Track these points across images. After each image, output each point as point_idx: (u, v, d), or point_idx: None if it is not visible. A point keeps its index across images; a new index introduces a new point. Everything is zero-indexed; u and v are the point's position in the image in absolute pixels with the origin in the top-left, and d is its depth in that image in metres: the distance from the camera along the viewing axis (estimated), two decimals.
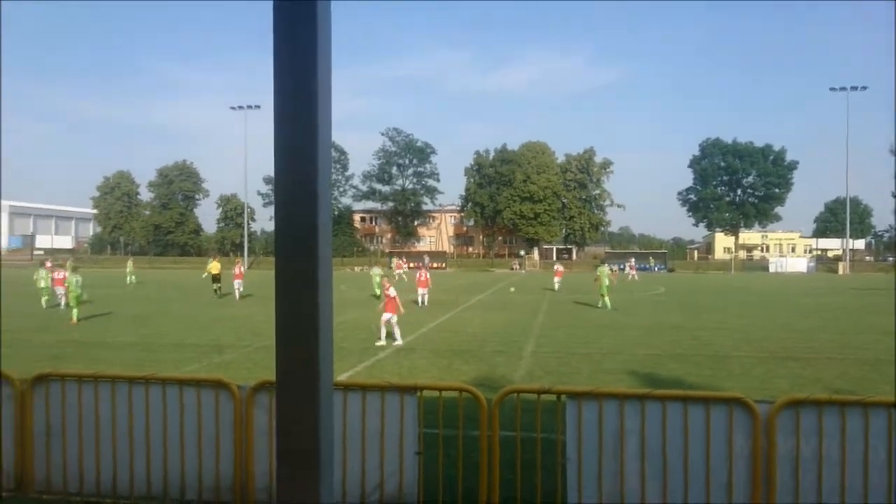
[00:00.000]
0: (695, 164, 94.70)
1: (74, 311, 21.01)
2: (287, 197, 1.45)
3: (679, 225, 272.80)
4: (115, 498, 5.97)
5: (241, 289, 31.01)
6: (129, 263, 46.89)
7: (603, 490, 5.39)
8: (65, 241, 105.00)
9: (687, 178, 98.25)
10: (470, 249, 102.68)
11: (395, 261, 46.93)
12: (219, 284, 31.99)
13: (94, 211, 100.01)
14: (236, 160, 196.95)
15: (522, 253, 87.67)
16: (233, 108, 78.21)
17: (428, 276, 28.26)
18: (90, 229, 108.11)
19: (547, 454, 5.61)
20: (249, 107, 75.67)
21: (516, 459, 5.56)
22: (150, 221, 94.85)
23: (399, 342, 16.21)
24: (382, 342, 16.14)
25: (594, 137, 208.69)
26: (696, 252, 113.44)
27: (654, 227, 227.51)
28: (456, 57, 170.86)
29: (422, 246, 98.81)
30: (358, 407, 5.72)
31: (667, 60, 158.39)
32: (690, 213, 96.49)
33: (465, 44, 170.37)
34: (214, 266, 32.55)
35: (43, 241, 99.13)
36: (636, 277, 52.70)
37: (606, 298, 26.26)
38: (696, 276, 68.45)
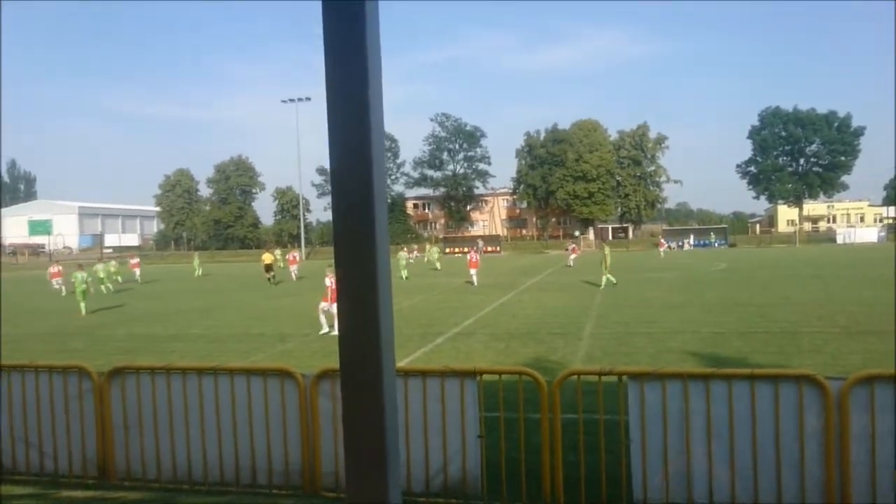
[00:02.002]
0: (754, 134, 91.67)
1: (81, 304, 22.78)
2: (344, 192, 1.47)
3: (739, 198, 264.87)
4: (191, 484, 6.21)
5: (297, 271, 37.00)
6: (196, 258, 49.17)
7: (669, 469, 5.33)
8: (131, 239, 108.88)
9: (746, 150, 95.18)
10: (524, 232, 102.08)
11: (405, 248, 47.92)
12: (272, 273, 35.12)
13: (158, 208, 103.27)
14: (290, 152, 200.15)
15: (577, 233, 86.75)
16: (284, 101, 78.81)
17: (478, 257, 31.21)
18: (154, 226, 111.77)
19: (609, 435, 5.58)
20: (300, 99, 76.50)
21: (579, 441, 5.54)
22: (211, 216, 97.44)
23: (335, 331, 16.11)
24: (326, 330, 16.30)
25: (647, 113, 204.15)
26: (757, 226, 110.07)
27: (713, 202, 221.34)
28: (500, 38, 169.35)
29: (475, 230, 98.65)
30: (419, 392, 5.79)
31: (717, 28, 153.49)
32: (751, 186, 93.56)
33: (508, 24, 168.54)
34: (268, 257, 36.39)
35: (111, 240, 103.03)
36: (662, 255, 55.55)
37: (609, 276, 26.97)
38: (759, 250, 66.47)
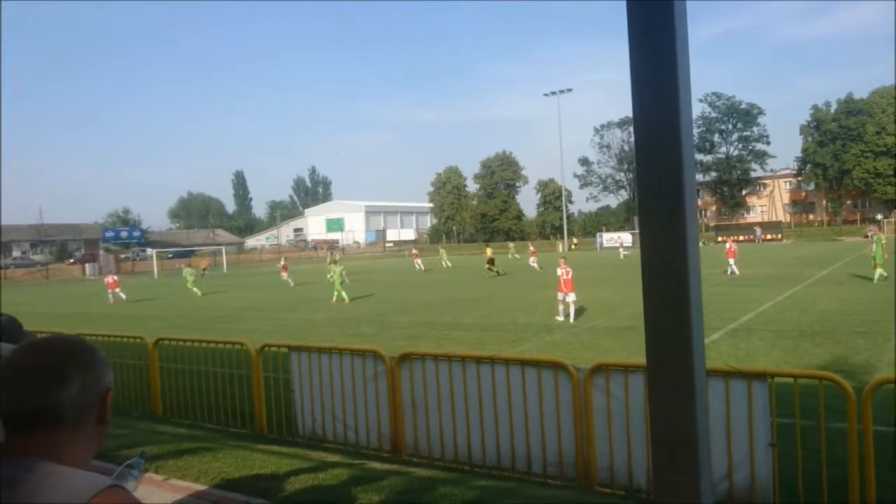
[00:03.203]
0: None
1: (340, 293, 25.82)
2: (651, 182, 1.41)
3: None
4: (470, 465, 6.55)
5: (536, 265, 39.69)
6: (442, 251, 54.70)
7: None
8: (408, 234, 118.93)
9: None
10: (810, 217, 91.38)
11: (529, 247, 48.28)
12: (493, 266, 36.99)
13: (430, 205, 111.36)
14: (551, 145, 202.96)
15: (879, 217, 75.27)
16: (545, 94, 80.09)
17: (735, 247, 30.54)
18: (428, 221, 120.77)
19: None
20: (561, 91, 77.11)
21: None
22: (477, 210, 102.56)
23: (571, 320, 17.25)
24: (561, 319, 17.42)
25: None
26: None
27: None
28: (775, 6, 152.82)
29: (752, 217, 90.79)
30: None
31: None
32: None
33: None
34: (489, 252, 39.69)
35: (392, 235, 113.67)
36: None
37: (881, 270, 22.93)
38: None
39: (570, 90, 77.55)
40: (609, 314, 18.13)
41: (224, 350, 8.89)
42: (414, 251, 52.82)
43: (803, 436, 5.29)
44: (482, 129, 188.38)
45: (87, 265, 70.23)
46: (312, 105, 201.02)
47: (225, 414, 8.43)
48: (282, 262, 40.26)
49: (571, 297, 17.41)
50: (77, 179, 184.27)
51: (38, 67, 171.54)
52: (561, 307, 17.63)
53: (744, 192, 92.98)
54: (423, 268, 45.61)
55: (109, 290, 31.86)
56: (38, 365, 1.31)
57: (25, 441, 1.27)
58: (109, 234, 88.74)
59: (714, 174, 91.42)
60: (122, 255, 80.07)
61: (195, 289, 33.55)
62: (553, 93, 77.97)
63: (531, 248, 45.67)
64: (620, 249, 54.47)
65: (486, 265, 37.33)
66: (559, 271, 17.95)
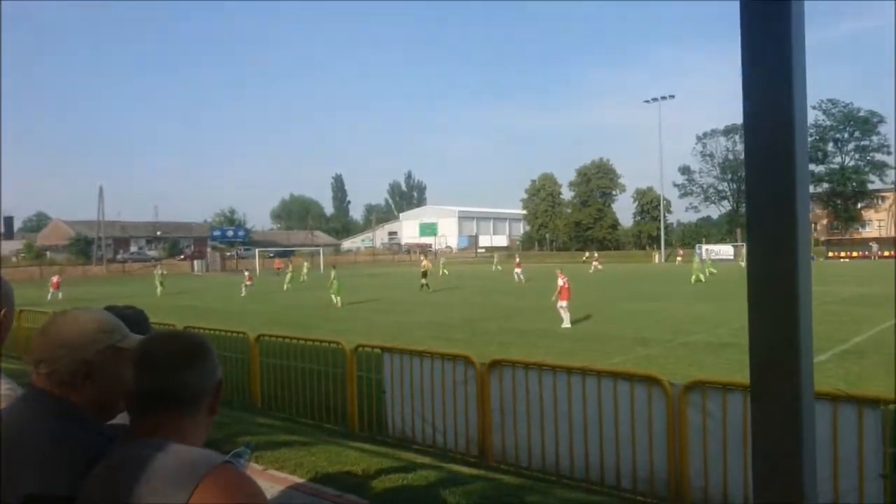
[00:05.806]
0: None
1: (335, 297, 27.32)
2: (760, 191, 1.37)
3: None
4: (558, 476, 6.47)
5: (522, 276, 39.15)
6: (441, 259, 56.60)
7: None
8: (500, 240, 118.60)
9: None
10: None
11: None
12: (425, 280, 34.85)
13: (524, 211, 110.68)
14: (650, 153, 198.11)
15: None
16: (646, 101, 77.87)
17: None
18: (521, 228, 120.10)
19: None
20: (663, 98, 74.99)
21: None
22: (572, 219, 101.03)
23: (567, 325, 18.78)
24: (567, 325, 18.78)
25: None
26: None
27: None
28: None
29: (867, 232, 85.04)
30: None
31: None
32: None
33: None
34: (426, 264, 37.47)
35: (484, 241, 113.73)
36: None
37: None
38: None
39: (672, 97, 75.14)
40: (708, 329, 17.45)
41: (320, 348, 9.18)
42: (422, 257, 52.18)
43: None
44: (579, 135, 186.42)
45: (195, 262, 74.30)
46: (410, 110, 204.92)
47: (318, 409, 8.69)
48: (246, 274, 38.05)
49: (562, 304, 19.30)
50: (189, 180, 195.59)
51: (161, 71, 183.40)
52: (563, 314, 19.28)
53: (859, 206, 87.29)
54: (523, 278, 40.28)
55: (52, 289, 35.66)
56: (165, 351, 1.49)
57: (151, 421, 1.44)
58: (217, 233, 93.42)
59: (826, 185, 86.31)
60: (227, 254, 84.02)
61: (160, 287, 37.76)
62: (654, 99, 76.00)
63: (517, 258, 45.86)
64: (594, 263, 53.30)
65: (421, 278, 34.81)
66: (559, 281, 19.78)
